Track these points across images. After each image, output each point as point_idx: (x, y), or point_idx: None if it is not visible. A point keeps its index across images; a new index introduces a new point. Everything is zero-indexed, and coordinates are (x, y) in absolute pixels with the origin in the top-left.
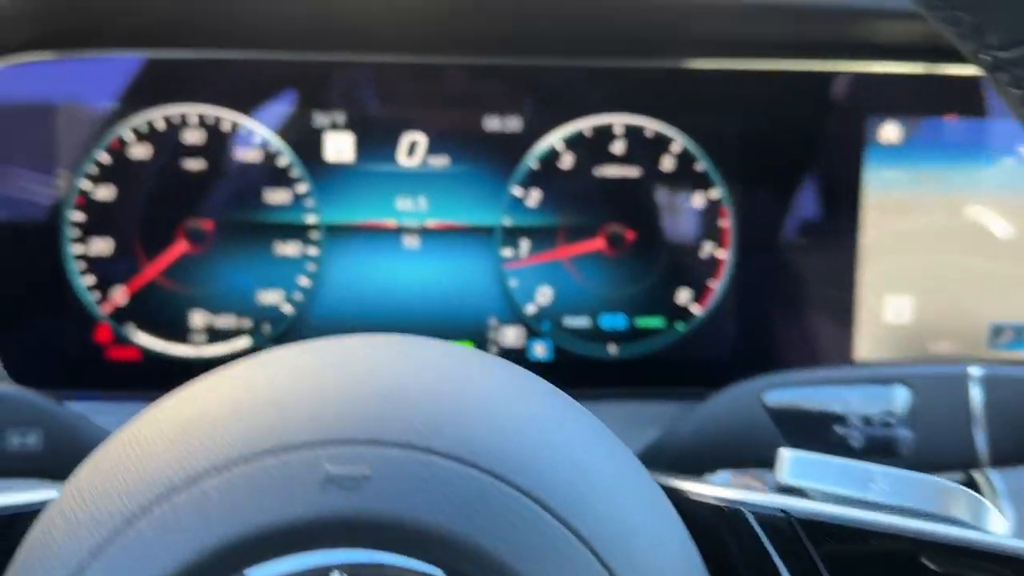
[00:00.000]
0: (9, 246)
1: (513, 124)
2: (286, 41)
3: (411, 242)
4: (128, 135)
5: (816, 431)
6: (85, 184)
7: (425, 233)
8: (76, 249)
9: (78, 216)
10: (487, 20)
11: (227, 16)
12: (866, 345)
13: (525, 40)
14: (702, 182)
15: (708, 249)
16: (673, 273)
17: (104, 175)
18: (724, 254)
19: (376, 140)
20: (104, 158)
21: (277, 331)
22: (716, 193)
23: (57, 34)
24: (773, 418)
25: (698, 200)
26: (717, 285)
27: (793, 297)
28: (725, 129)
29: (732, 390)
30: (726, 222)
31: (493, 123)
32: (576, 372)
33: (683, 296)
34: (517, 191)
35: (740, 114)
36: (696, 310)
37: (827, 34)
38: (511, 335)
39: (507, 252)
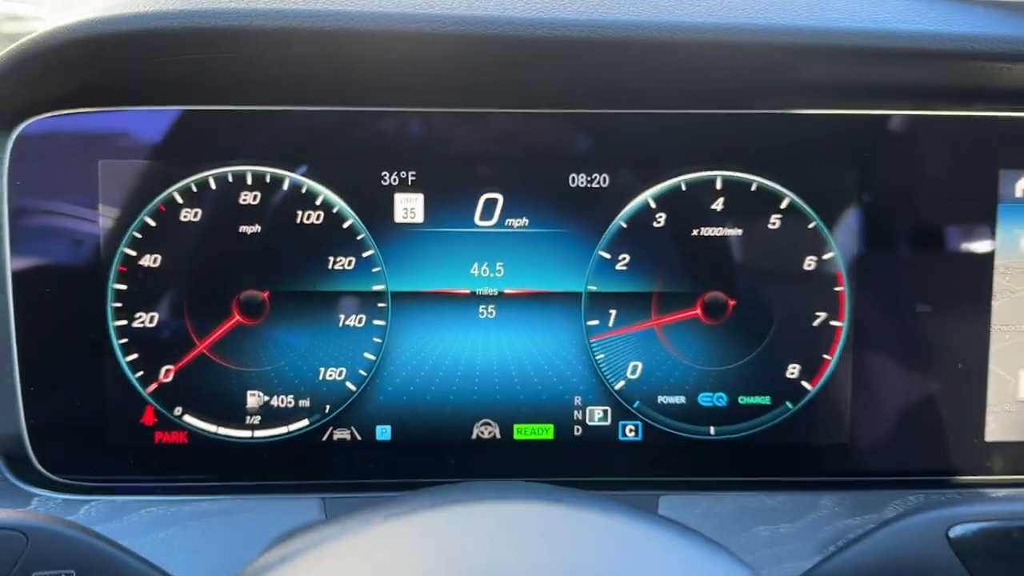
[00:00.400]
0: (45, 320)
1: (600, 180)
2: (348, 93)
3: (487, 311)
4: (175, 196)
5: (1014, 574)
6: (129, 251)
7: (502, 301)
8: (119, 322)
9: (121, 286)
10: (573, 70)
11: (282, 67)
12: (998, 425)
13: (613, 89)
14: (814, 243)
15: (821, 318)
16: (781, 345)
17: (149, 240)
18: (840, 323)
19: (449, 199)
20: (149, 222)
21: (338, 411)
22: (830, 255)
23: (99, 88)
24: (960, 557)
25: (809, 263)
26: (832, 358)
27: (917, 371)
28: (840, 183)
29: (907, 521)
30: (841, 287)
31: (578, 179)
32: (671, 456)
33: (793, 371)
34: (604, 253)
35: (857, 166)
36: (808, 386)
37: (954, 77)
38: (598, 415)
39: (593, 322)
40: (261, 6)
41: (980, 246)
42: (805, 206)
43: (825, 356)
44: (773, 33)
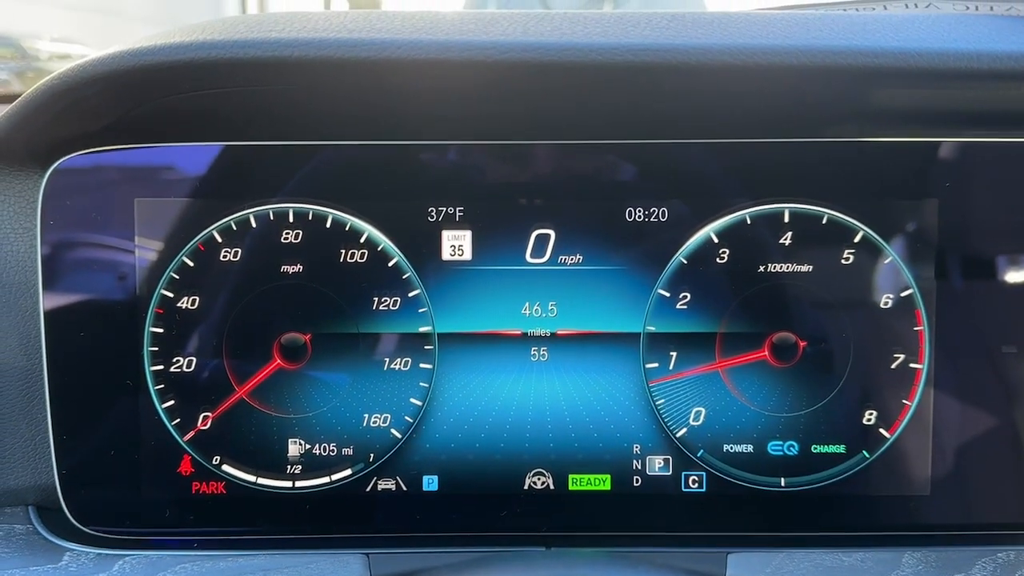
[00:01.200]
0: (79, 364)
1: (659, 214)
2: (393, 127)
3: (539, 353)
4: (215, 235)
5: None
6: (166, 292)
7: (555, 342)
8: (155, 367)
9: (158, 329)
10: (632, 97)
11: (324, 100)
12: None
13: (673, 118)
14: (890, 279)
15: (900, 360)
16: (857, 390)
17: (188, 281)
18: (919, 365)
19: (498, 235)
20: (188, 262)
21: (383, 460)
22: (908, 292)
23: (134, 124)
24: None
25: (886, 301)
26: (911, 403)
27: (1003, 416)
28: (918, 215)
29: None
30: (921, 327)
31: (636, 213)
32: (738, 509)
33: (870, 417)
34: (664, 292)
35: (936, 197)
36: (886, 434)
37: None
38: (659, 464)
39: (652, 364)
40: (301, 36)
41: None
42: (880, 240)
43: (904, 401)
44: (858, 56)
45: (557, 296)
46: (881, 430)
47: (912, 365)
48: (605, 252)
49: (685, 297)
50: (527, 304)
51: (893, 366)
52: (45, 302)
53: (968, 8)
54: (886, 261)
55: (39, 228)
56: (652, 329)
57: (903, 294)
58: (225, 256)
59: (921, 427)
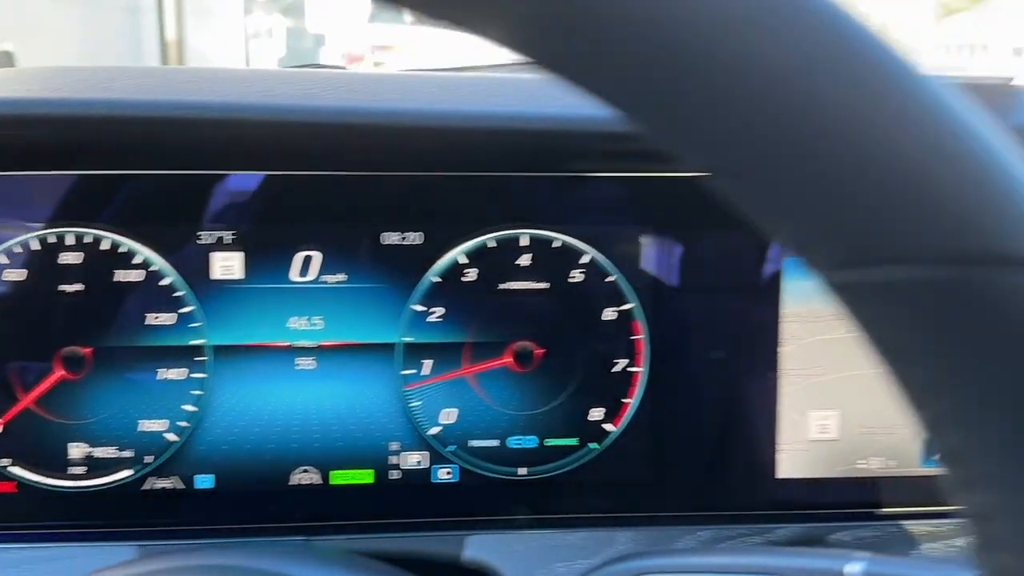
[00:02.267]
0: None
1: (413, 237)
2: (167, 157)
3: (305, 363)
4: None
5: None
6: None
7: (321, 353)
8: None
9: None
10: (383, 134)
11: (101, 134)
12: (789, 463)
13: (424, 153)
14: (613, 295)
15: (622, 364)
16: (585, 390)
17: None
18: (638, 369)
19: (267, 257)
20: None
21: (160, 461)
22: (628, 306)
23: None
24: None
25: (609, 313)
26: (631, 401)
27: (712, 413)
28: (635, 240)
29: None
30: (639, 336)
31: (392, 237)
32: (483, 495)
33: (596, 414)
34: (418, 307)
35: (649, 223)
36: (610, 428)
37: None
38: (414, 460)
39: (409, 371)
40: (49, 95)
41: (768, 296)
42: (605, 261)
43: (624, 400)
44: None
45: (323, 311)
46: (605, 425)
47: (631, 369)
48: (365, 272)
49: (435, 311)
50: (294, 319)
51: (616, 370)
52: None
53: None
54: (609, 279)
55: None
56: (408, 340)
57: (624, 308)
58: (9, 276)
59: (641, 423)
